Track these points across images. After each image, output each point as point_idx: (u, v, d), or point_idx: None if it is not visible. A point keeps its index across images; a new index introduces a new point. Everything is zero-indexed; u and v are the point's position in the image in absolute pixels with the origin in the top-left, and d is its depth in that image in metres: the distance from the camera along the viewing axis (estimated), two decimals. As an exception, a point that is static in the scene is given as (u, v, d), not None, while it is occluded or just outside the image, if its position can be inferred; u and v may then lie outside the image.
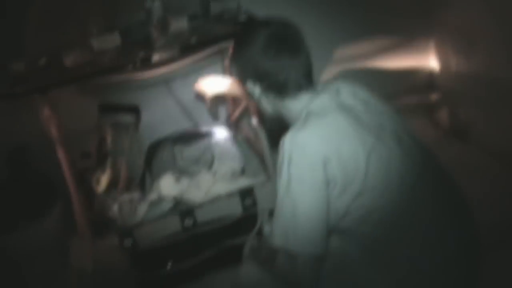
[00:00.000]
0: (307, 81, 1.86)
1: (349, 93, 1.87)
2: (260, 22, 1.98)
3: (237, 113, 3.11)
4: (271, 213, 2.58)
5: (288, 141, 1.72)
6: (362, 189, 1.69)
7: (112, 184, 2.79)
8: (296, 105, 1.86)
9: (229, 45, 2.60)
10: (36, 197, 2.81)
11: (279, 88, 1.85)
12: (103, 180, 2.77)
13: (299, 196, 1.69)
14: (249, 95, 1.97)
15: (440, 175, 1.88)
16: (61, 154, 2.55)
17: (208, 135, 3.11)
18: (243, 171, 3.02)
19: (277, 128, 2.00)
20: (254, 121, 2.69)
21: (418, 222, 1.74)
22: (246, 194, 2.69)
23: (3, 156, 3.00)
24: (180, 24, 2.62)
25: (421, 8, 3.39)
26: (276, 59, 1.82)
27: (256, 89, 1.89)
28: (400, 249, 1.73)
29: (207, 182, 2.83)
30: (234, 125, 3.28)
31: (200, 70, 3.16)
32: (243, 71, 1.92)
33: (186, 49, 2.56)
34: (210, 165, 3.03)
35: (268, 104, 1.93)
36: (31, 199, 2.79)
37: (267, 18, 1.96)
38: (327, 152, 1.67)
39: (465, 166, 2.80)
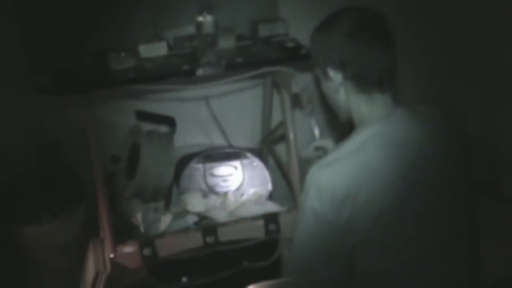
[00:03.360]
0: (389, 81, 1.72)
1: (427, 123, 1.73)
2: (348, 8, 1.78)
3: (272, 136, 3.11)
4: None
5: (311, 175, 1.68)
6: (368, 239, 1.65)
7: (139, 191, 2.80)
8: (367, 108, 1.73)
9: (273, 70, 2.62)
10: (63, 194, 2.83)
11: (362, 78, 1.70)
12: (131, 186, 2.78)
13: (307, 228, 1.71)
14: (324, 86, 1.84)
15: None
16: (93, 155, 2.56)
17: (240, 155, 3.09)
18: (270, 196, 3.02)
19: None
20: (316, 131, 2.58)
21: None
22: (270, 219, 2.66)
23: (35, 149, 3.03)
24: (227, 42, 2.64)
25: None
26: (365, 47, 1.67)
27: (337, 77, 1.73)
28: None
29: (233, 203, 2.84)
30: (267, 148, 3.28)
31: (240, 91, 3.19)
32: (325, 56, 1.77)
33: (230, 68, 2.55)
34: (238, 186, 3.03)
35: (343, 97, 1.77)
36: (57, 194, 2.81)
37: (355, 5, 1.78)
38: (343, 196, 1.59)
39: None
